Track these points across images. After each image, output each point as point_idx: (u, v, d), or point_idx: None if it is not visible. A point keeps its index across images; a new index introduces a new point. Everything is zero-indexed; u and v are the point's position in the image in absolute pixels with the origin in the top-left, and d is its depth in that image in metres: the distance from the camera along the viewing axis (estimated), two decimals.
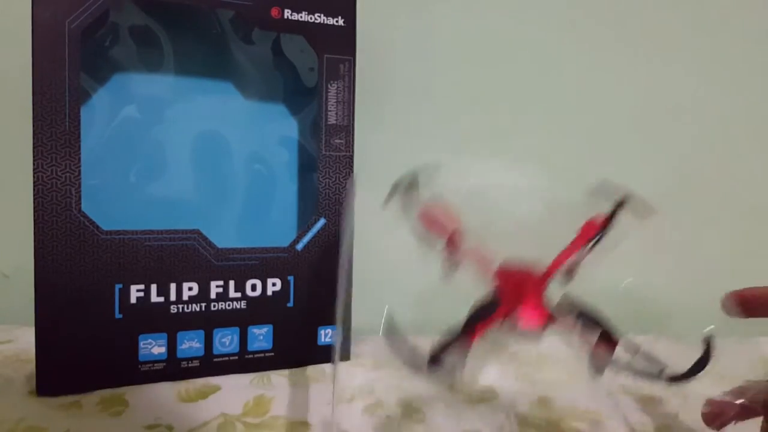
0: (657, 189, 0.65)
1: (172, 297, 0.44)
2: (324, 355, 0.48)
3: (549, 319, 0.34)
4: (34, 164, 0.39)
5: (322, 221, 0.47)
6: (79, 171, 0.40)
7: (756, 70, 0.66)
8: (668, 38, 0.64)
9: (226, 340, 0.45)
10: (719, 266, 0.62)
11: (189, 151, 0.46)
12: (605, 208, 0.40)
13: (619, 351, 0.33)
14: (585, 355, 0.34)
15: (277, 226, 0.49)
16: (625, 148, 0.65)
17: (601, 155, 0.65)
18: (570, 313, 0.34)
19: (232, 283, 0.45)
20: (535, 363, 0.50)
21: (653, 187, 0.65)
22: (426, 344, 0.34)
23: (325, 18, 0.46)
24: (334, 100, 0.47)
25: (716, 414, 0.27)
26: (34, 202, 0.39)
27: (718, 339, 0.34)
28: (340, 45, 0.46)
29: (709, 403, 0.27)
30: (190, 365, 0.45)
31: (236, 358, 0.46)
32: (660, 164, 0.65)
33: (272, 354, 0.47)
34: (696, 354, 0.45)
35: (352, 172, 0.48)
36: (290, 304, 0.47)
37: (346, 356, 0.50)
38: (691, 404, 0.44)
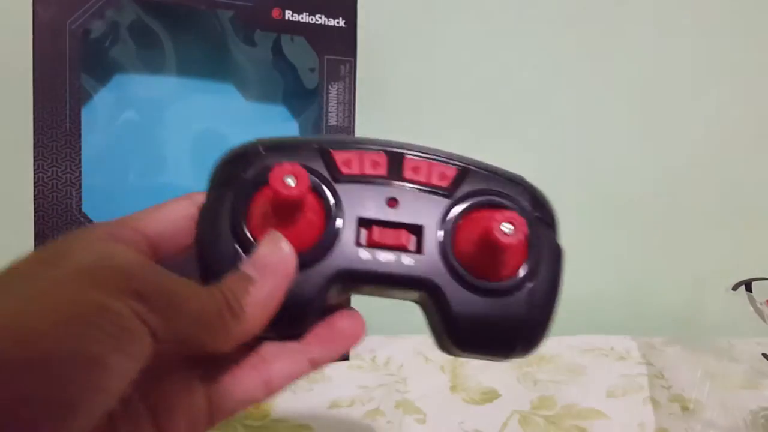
0: (656, 189, 0.65)
1: None
2: None
3: None
4: (34, 165, 0.39)
5: None
6: (80, 171, 0.40)
7: (758, 68, 0.66)
8: (667, 36, 0.65)
9: None
10: (720, 266, 0.62)
11: (190, 151, 0.46)
12: None
13: None
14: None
15: None
16: (625, 149, 0.65)
17: (603, 156, 0.65)
18: None
19: None
20: (535, 363, 0.50)
21: (653, 187, 0.66)
22: None
23: (326, 19, 0.46)
24: (335, 102, 0.47)
25: None
26: (34, 203, 0.39)
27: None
28: (341, 46, 0.46)
29: None
30: None
31: None
32: (660, 165, 0.65)
33: None
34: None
35: None
36: None
37: (344, 356, 0.50)
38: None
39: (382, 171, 0.22)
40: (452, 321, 0.22)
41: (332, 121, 0.47)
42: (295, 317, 0.22)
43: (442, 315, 0.22)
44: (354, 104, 0.47)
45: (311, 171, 0.21)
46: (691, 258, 0.65)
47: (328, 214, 0.21)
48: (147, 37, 0.44)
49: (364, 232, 0.22)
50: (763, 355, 0.50)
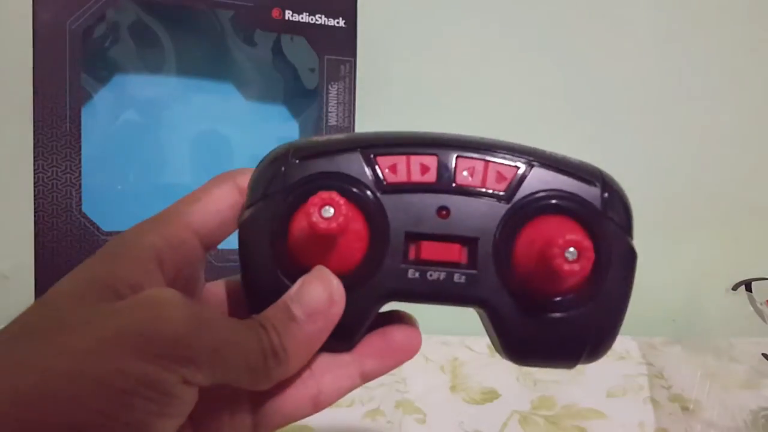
0: (656, 188, 0.65)
1: None
2: None
3: None
4: (34, 165, 0.39)
5: None
6: (80, 172, 0.40)
7: (756, 68, 0.66)
8: (667, 35, 0.64)
9: None
10: (720, 266, 0.62)
11: (190, 151, 0.46)
12: None
13: None
14: None
15: None
16: (624, 148, 0.65)
17: (603, 155, 0.65)
18: None
19: None
20: None
21: (652, 186, 0.66)
22: None
23: (326, 19, 0.46)
24: (335, 102, 0.47)
25: None
26: (34, 203, 0.39)
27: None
28: (341, 46, 0.46)
29: None
30: None
31: None
32: (656, 164, 0.65)
33: None
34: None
35: None
36: None
37: None
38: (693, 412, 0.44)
39: (432, 176, 0.20)
40: (509, 339, 0.20)
41: (332, 121, 0.47)
42: (342, 338, 0.20)
43: (498, 332, 0.20)
44: (354, 104, 0.47)
45: (353, 182, 0.20)
46: (691, 258, 0.65)
47: (373, 232, 0.20)
48: (147, 37, 0.44)
49: (412, 247, 0.20)
50: (763, 355, 0.50)
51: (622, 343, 0.54)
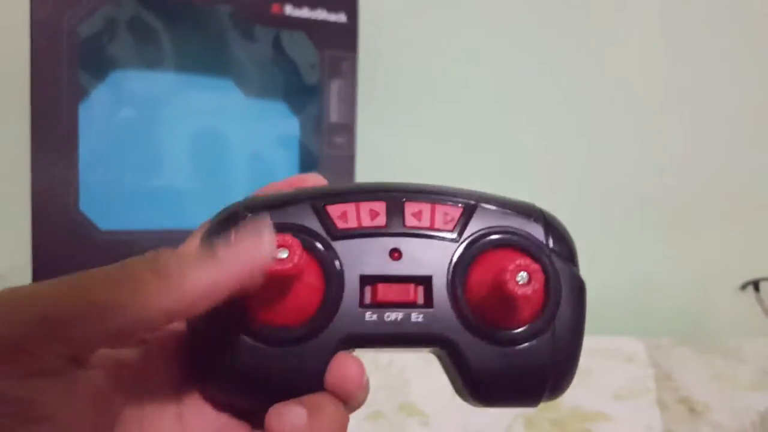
0: (663, 188, 0.65)
1: None
2: None
3: None
4: (31, 163, 0.38)
5: None
6: (77, 170, 0.40)
7: (759, 65, 0.65)
8: (674, 35, 0.64)
9: None
10: (728, 265, 0.62)
11: (188, 149, 0.45)
12: None
13: None
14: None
15: None
16: (634, 149, 0.65)
17: (610, 155, 0.64)
18: None
19: None
20: None
21: (660, 186, 0.65)
22: None
23: (327, 14, 0.45)
24: (336, 98, 0.46)
25: None
26: (31, 202, 0.39)
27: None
28: (342, 42, 0.46)
29: None
30: None
31: None
32: (663, 162, 0.65)
33: None
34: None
35: (354, 171, 0.47)
36: None
37: None
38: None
39: (382, 221, 0.21)
40: (472, 377, 0.21)
41: (333, 118, 0.46)
42: (303, 386, 0.20)
43: (460, 371, 0.21)
44: (355, 101, 0.46)
45: (305, 231, 0.20)
46: (699, 258, 0.65)
47: (328, 277, 0.20)
48: (145, 33, 0.43)
49: (368, 290, 0.20)
50: None
51: (629, 344, 0.53)
